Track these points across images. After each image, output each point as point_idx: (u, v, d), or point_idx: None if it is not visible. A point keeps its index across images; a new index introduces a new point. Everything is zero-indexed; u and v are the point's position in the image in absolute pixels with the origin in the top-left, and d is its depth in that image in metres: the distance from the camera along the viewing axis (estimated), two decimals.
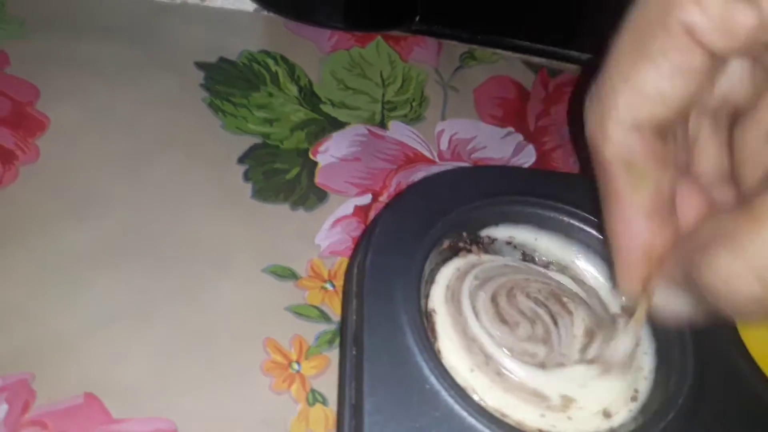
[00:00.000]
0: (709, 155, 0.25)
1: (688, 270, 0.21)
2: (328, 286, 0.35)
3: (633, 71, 0.22)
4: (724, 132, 0.25)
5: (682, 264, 0.22)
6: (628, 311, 0.32)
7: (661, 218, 0.23)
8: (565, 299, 0.31)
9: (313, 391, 0.32)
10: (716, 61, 0.21)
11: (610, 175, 0.23)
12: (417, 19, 0.47)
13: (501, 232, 0.34)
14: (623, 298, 0.32)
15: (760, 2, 0.19)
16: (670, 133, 0.23)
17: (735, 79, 0.24)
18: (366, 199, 0.39)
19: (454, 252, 0.32)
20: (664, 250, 0.24)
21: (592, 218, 0.33)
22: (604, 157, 0.23)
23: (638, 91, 0.22)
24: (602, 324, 0.31)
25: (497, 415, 0.27)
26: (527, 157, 0.44)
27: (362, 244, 0.32)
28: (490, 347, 0.29)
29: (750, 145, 0.24)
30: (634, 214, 0.23)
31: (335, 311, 0.34)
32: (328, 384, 0.32)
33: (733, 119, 0.25)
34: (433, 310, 0.30)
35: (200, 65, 0.43)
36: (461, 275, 0.31)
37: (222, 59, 0.44)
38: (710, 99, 0.24)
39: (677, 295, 0.23)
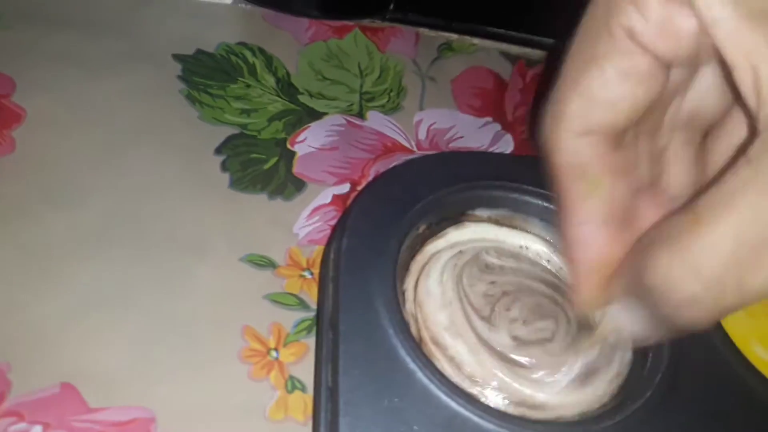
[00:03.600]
0: (678, 168, 0.24)
1: (635, 274, 0.21)
2: (306, 274, 0.35)
3: (581, 77, 0.21)
4: (696, 145, 0.24)
5: (630, 268, 0.22)
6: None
7: (615, 227, 0.23)
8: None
9: (291, 378, 0.32)
10: (667, 66, 0.21)
11: (563, 183, 0.23)
12: (391, 7, 0.47)
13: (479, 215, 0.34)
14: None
15: (696, 4, 0.18)
16: (629, 143, 0.23)
17: (704, 90, 0.23)
18: (344, 188, 0.39)
19: (431, 233, 0.32)
20: (618, 259, 0.23)
21: None
22: (556, 164, 0.22)
23: (586, 97, 0.21)
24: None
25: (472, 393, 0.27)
26: (505, 146, 0.44)
27: (338, 230, 0.33)
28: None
29: (718, 158, 0.23)
30: (587, 222, 0.23)
31: (313, 299, 0.34)
32: (307, 371, 0.32)
33: (706, 133, 0.24)
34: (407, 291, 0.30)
35: (178, 57, 0.43)
36: (436, 257, 0.32)
37: (199, 51, 0.44)
38: (680, 111, 0.23)
39: (632, 309, 0.23)
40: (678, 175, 0.24)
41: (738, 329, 0.33)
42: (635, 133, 0.23)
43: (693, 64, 0.21)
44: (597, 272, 0.23)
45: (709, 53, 0.19)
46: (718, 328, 0.32)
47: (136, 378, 0.30)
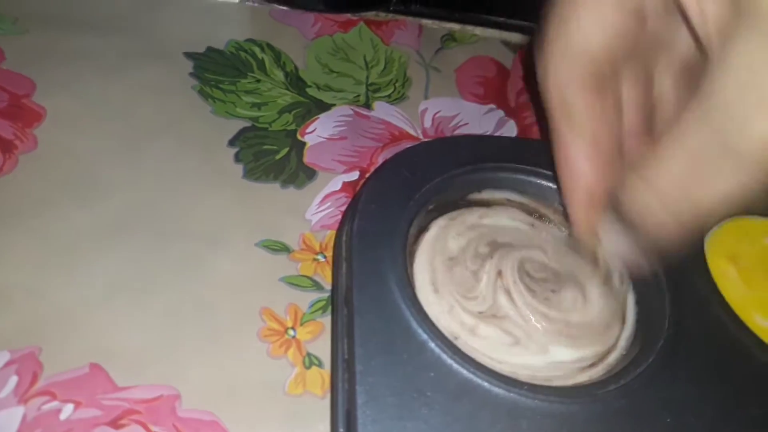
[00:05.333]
0: (671, 112, 0.27)
1: (617, 202, 0.24)
2: (319, 257, 0.37)
3: (572, 8, 0.23)
4: (690, 89, 0.26)
5: (614, 197, 0.25)
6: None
7: (602, 161, 0.25)
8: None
9: (308, 354, 0.33)
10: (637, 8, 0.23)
11: (554, 120, 0.25)
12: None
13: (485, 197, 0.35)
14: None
15: None
16: (619, 88, 0.25)
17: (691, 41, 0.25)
18: (353, 175, 0.41)
19: (439, 213, 0.34)
20: (608, 188, 0.26)
21: None
22: (548, 105, 0.25)
23: (576, 25, 0.24)
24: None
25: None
26: (509, 132, 0.46)
27: (349, 212, 0.34)
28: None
29: None
30: (575, 156, 0.26)
31: (327, 280, 0.36)
32: (323, 348, 0.33)
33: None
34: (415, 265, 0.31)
35: (189, 55, 0.44)
36: (442, 233, 0.33)
37: (210, 49, 0.45)
38: (673, 60, 0.26)
39: (621, 236, 0.26)
40: (670, 114, 0.27)
41: (739, 300, 0.34)
42: (626, 78, 0.26)
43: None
44: (585, 200, 0.26)
45: None
46: (719, 299, 0.33)
47: (161, 358, 0.32)
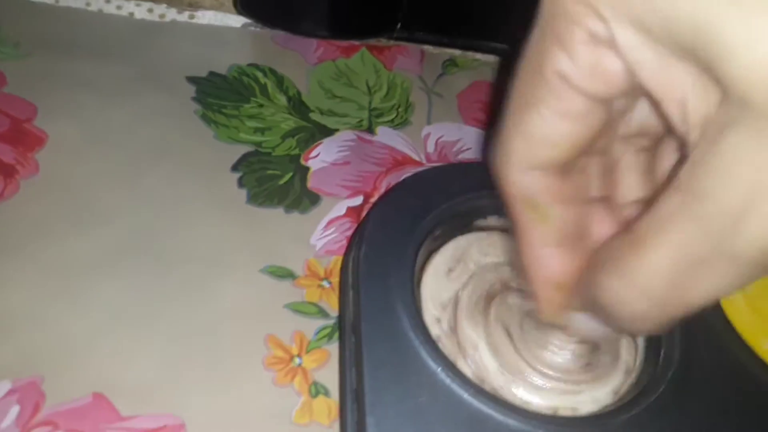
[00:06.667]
0: (631, 178, 0.25)
1: (588, 293, 0.22)
2: (324, 283, 0.36)
3: (521, 118, 0.22)
4: (649, 151, 0.25)
5: (584, 288, 0.23)
6: None
7: (568, 247, 0.24)
8: None
9: (315, 383, 0.33)
10: (604, 102, 0.21)
11: (515, 213, 0.23)
12: (399, 26, 0.48)
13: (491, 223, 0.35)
14: None
15: (619, 47, 0.19)
16: (580, 166, 0.23)
17: (649, 107, 0.23)
18: (358, 200, 0.40)
19: (446, 239, 0.33)
20: (575, 276, 0.24)
21: None
22: (506, 196, 0.23)
23: (527, 136, 0.22)
24: None
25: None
26: None
27: (355, 239, 0.34)
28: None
29: (668, 165, 0.24)
30: (540, 248, 0.24)
31: (333, 307, 0.35)
32: (330, 376, 0.33)
33: (658, 139, 0.24)
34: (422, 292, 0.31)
35: (191, 79, 0.44)
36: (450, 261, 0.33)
37: (212, 73, 0.45)
38: (630, 125, 0.24)
39: (589, 316, 0.24)
40: (631, 186, 0.25)
41: (747, 327, 0.34)
42: (586, 155, 0.23)
43: (631, 94, 0.21)
44: (553, 289, 0.24)
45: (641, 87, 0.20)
46: (727, 326, 0.33)
47: (165, 387, 0.31)
